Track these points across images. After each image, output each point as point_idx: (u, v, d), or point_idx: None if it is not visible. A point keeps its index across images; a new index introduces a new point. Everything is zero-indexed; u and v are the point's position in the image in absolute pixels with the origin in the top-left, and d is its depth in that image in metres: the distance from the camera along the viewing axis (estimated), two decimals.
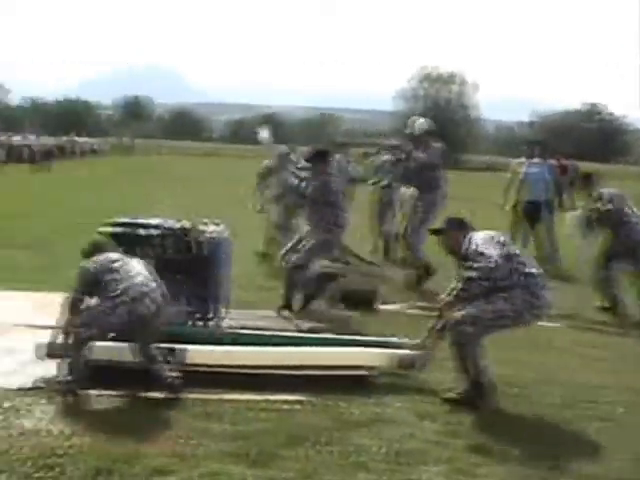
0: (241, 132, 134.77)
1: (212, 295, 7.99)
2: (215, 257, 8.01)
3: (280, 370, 6.89)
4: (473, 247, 6.52)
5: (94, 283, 6.42)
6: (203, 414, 6.08)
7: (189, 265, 7.99)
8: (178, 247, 7.97)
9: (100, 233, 7.77)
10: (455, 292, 6.58)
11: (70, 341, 6.36)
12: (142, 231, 7.96)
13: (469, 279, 6.42)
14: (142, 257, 7.50)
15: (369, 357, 7.19)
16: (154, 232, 7.98)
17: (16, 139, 52.49)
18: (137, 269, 6.57)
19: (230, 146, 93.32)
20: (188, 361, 6.83)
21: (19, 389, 6.53)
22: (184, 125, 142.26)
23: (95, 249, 6.76)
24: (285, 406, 6.31)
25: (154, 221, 8.21)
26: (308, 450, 5.52)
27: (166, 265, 7.89)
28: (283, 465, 5.26)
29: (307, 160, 10.12)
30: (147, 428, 5.81)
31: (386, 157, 14.37)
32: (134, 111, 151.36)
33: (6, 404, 6.20)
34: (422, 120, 12.27)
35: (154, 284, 6.55)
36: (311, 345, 7.43)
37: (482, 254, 6.41)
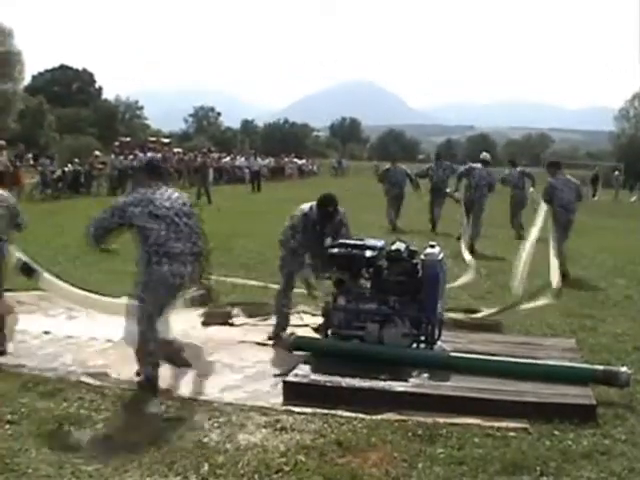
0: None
1: (429, 317, 7.97)
2: (433, 279, 7.99)
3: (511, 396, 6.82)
4: None
5: None
6: (428, 437, 6.04)
7: (409, 287, 8.02)
8: (405, 269, 8.03)
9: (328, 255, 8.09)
10: None
11: None
12: (369, 253, 8.06)
13: None
14: (365, 279, 7.76)
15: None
16: (380, 254, 8.10)
17: (240, 161, 54.42)
18: None
19: None
20: None
21: (233, 404, 6.77)
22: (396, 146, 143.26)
23: None
24: (511, 433, 6.17)
25: (379, 243, 8.34)
26: (526, 479, 5.38)
27: (385, 287, 8.01)
28: None
29: None
30: (367, 448, 5.82)
31: None
32: (346, 132, 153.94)
33: (222, 419, 6.39)
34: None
35: None
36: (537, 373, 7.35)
37: None
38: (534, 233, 13.57)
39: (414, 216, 24.08)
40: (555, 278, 12.05)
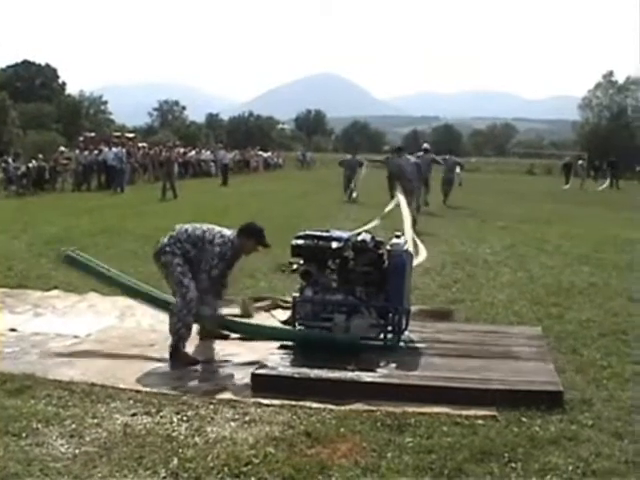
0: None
1: (396, 307, 7.99)
2: (399, 269, 8.01)
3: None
4: None
5: None
6: (397, 427, 6.06)
7: (375, 278, 8.05)
8: (371, 260, 8.05)
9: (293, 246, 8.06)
10: None
11: None
12: (335, 244, 8.07)
13: None
14: (332, 270, 7.78)
15: None
16: (346, 245, 8.11)
17: (205, 154, 54.34)
18: None
19: None
20: None
21: (202, 397, 6.78)
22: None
23: None
24: (479, 421, 6.21)
25: (345, 234, 8.35)
26: (495, 466, 5.40)
27: (352, 278, 8.04)
28: None
29: None
30: (336, 439, 5.83)
31: None
32: (311, 125, 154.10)
33: (190, 412, 6.39)
34: None
35: None
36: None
37: None
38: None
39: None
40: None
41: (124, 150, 38.32)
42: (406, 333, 8.21)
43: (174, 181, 31.63)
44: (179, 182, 34.58)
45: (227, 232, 8.14)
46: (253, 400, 6.67)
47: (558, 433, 6.00)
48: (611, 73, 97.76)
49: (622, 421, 6.30)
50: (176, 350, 7.91)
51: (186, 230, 8.17)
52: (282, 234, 8.83)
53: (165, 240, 8.19)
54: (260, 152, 68.70)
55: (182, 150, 51.33)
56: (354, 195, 30.45)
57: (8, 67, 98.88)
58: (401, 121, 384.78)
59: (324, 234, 8.28)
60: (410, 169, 21.31)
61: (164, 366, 7.70)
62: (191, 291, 7.86)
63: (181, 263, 7.95)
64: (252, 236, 8.15)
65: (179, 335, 7.89)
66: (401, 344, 7.99)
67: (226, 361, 7.95)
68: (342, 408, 6.44)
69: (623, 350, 8.47)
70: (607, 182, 54.71)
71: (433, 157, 28.41)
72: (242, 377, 7.29)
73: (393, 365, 7.33)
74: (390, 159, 22.61)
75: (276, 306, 9.89)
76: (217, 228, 8.21)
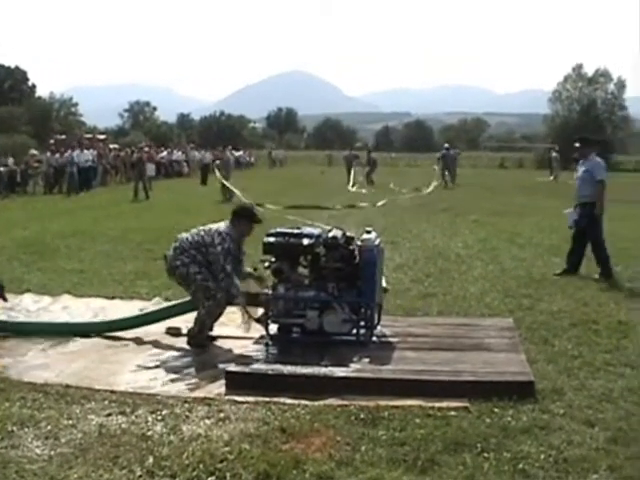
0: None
1: (368, 302, 8.04)
2: (370, 265, 8.06)
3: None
4: None
5: None
6: (370, 420, 6.11)
7: (347, 273, 8.09)
8: (342, 256, 8.09)
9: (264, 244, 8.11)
10: None
11: None
12: (306, 241, 8.11)
13: None
14: (304, 266, 7.84)
15: None
16: (317, 242, 8.14)
17: (177, 155, 54.13)
18: None
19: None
20: None
21: (176, 396, 6.82)
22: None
23: None
24: (452, 412, 6.26)
25: (316, 231, 8.38)
26: (468, 457, 5.46)
27: (324, 274, 8.08)
28: (440, 471, 5.24)
29: None
30: (310, 434, 5.87)
31: None
32: (282, 123, 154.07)
33: (165, 411, 6.41)
34: None
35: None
36: None
37: None
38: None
39: None
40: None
41: (95, 152, 38.24)
42: (379, 328, 8.27)
43: (146, 182, 31.49)
44: (156, 182, 34.43)
45: (222, 227, 8.43)
46: (227, 397, 6.70)
47: (530, 422, 6.07)
48: (581, 66, 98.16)
49: (593, 409, 6.39)
50: (200, 332, 8.42)
51: (187, 238, 8.47)
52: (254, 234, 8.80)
53: (171, 253, 8.48)
54: (232, 151, 68.57)
55: (152, 150, 51.17)
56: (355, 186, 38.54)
57: None
58: (373, 118, 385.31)
59: (295, 231, 8.33)
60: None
61: (138, 366, 7.71)
62: (219, 292, 8.25)
63: (197, 270, 8.30)
64: (243, 218, 8.50)
65: (204, 325, 8.43)
66: (374, 339, 8.05)
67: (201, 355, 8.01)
68: (316, 403, 6.48)
69: (594, 340, 8.57)
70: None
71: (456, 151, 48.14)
72: (216, 374, 7.31)
73: (366, 360, 7.38)
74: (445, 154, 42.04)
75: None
76: (213, 227, 8.46)
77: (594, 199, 12.63)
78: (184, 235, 8.53)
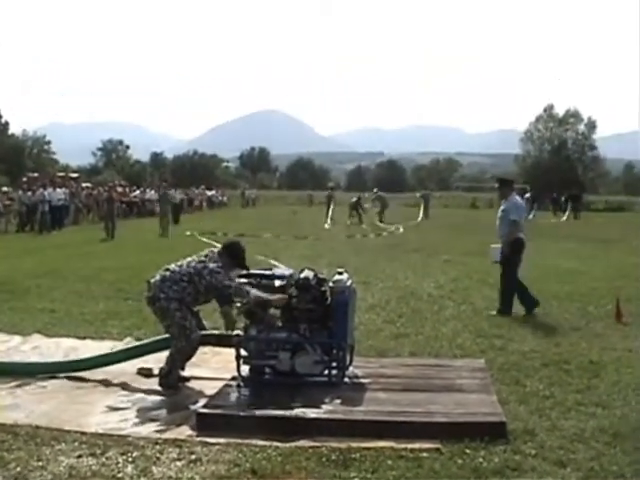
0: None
1: (340, 343, 8.01)
2: (342, 306, 8.06)
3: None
4: None
5: None
6: (342, 462, 6.09)
7: (319, 315, 8.09)
8: (314, 297, 8.09)
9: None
10: None
11: None
12: (278, 282, 8.13)
13: None
14: (276, 307, 7.89)
15: None
16: (289, 283, 8.15)
17: (150, 194, 54.07)
18: None
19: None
20: None
21: (147, 437, 6.77)
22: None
23: None
24: (424, 454, 6.25)
25: (287, 272, 8.40)
26: None
27: (295, 315, 8.07)
28: None
29: None
30: (282, 476, 5.84)
31: None
32: (255, 162, 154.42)
33: (136, 453, 6.36)
34: None
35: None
36: None
37: None
38: None
39: None
40: None
41: (67, 190, 38.18)
42: (350, 368, 8.26)
43: (115, 220, 31.59)
44: (124, 222, 34.43)
45: (211, 264, 8.32)
46: (199, 439, 6.67)
47: (502, 463, 6.07)
48: (552, 106, 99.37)
49: (565, 449, 6.40)
50: (171, 371, 8.29)
51: (179, 271, 8.35)
52: None
53: (158, 282, 8.35)
54: (205, 190, 68.76)
55: (123, 189, 51.12)
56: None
57: None
58: (345, 157, 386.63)
59: (267, 272, 8.34)
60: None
61: (109, 407, 7.66)
62: (194, 332, 8.22)
63: (178, 307, 8.19)
64: (230, 256, 8.51)
65: (175, 363, 8.31)
66: (346, 380, 8.04)
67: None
68: (287, 445, 6.45)
69: (565, 379, 8.60)
70: (567, 214, 56.84)
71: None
72: (188, 415, 7.28)
73: (338, 401, 7.36)
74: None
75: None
76: (195, 260, 8.46)
77: (509, 238, 12.96)
78: (175, 267, 8.41)
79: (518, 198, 13.42)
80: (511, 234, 12.96)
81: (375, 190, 51.80)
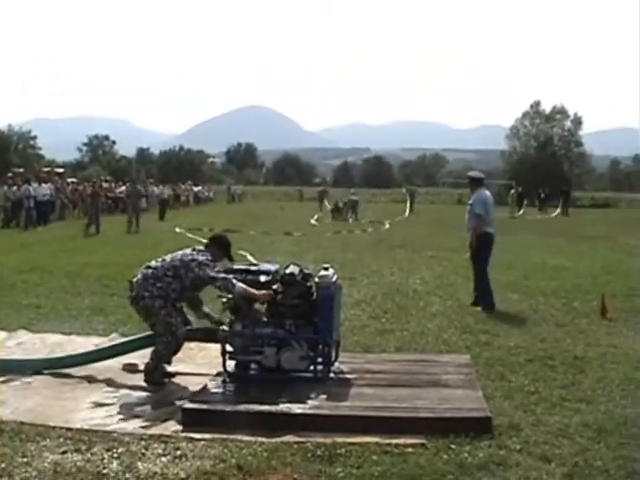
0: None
1: (325, 339, 8.02)
2: (327, 301, 8.07)
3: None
4: None
5: None
6: (327, 457, 6.09)
7: (304, 310, 8.09)
8: (299, 292, 8.08)
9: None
10: None
11: None
12: (263, 278, 8.12)
13: None
14: (261, 303, 7.89)
15: None
16: (274, 278, 8.16)
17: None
18: None
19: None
20: None
21: (132, 433, 6.76)
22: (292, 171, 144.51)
23: None
24: (409, 449, 6.26)
25: (273, 267, 8.40)
26: None
27: (281, 311, 8.07)
28: None
29: None
30: (268, 471, 5.84)
31: None
32: (241, 158, 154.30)
33: (121, 449, 6.35)
34: None
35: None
36: None
37: None
38: None
39: None
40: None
41: (53, 186, 38.07)
42: (336, 364, 8.27)
43: (99, 216, 31.53)
44: (109, 217, 34.37)
45: (199, 257, 8.31)
46: (184, 435, 6.66)
47: (487, 458, 6.08)
48: (538, 103, 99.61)
49: (550, 445, 6.42)
50: (156, 367, 8.31)
51: (162, 266, 8.35)
52: None
53: (141, 280, 8.34)
54: (191, 186, 68.71)
55: (109, 185, 50.97)
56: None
57: None
58: (331, 153, 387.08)
59: (252, 268, 8.34)
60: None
61: (94, 403, 7.64)
62: (180, 328, 8.27)
63: (163, 305, 8.20)
64: (219, 247, 8.64)
65: (160, 359, 8.32)
66: (331, 375, 8.04)
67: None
68: (273, 440, 6.45)
69: (550, 375, 8.63)
70: (559, 210, 57.47)
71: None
72: (173, 411, 7.27)
73: (323, 396, 7.36)
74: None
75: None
76: (187, 251, 8.50)
77: (476, 231, 13.13)
78: (158, 263, 8.40)
79: (487, 193, 13.49)
80: (477, 228, 13.07)
81: (352, 191, 50.81)
